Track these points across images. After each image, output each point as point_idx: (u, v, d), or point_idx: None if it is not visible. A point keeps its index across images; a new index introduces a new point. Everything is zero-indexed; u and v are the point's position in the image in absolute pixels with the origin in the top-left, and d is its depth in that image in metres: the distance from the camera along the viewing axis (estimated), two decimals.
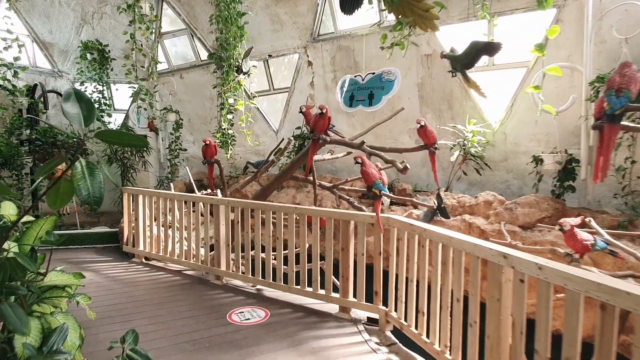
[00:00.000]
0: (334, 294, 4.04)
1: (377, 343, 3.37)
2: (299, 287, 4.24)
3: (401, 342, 3.43)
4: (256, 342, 3.35)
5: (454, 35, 5.82)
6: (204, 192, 5.54)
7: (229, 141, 6.37)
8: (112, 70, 8.18)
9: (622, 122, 2.71)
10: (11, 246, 2.55)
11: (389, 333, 3.62)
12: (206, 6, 7.27)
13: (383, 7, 4.23)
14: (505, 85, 5.56)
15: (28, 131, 6.49)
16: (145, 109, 7.33)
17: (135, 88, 7.35)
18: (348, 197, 4.42)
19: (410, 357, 3.17)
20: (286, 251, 4.33)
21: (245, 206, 4.60)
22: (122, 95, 8.74)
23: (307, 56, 7.21)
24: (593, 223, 3.16)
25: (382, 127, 5.13)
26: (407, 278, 3.39)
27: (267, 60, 7.70)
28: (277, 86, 8.02)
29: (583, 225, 3.08)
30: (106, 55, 8.06)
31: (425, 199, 5.08)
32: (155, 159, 8.62)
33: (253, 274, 4.57)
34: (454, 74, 4.51)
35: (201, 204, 5.05)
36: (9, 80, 6.30)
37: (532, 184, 5.33)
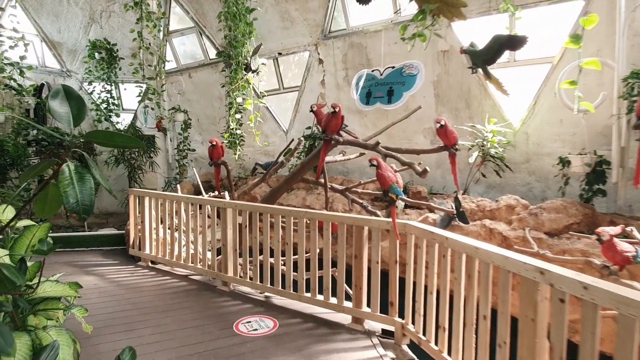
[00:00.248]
0: (346, 304, 3.82)
1: (393, 359, 3.14)
2: (309, 295, 4.03)
3: (419, 359, 3.19)
4: (264, 356, 3.15)
5: (472, 31, 5.54)
6: (211, 194, 5.36)
7: (237, 141, 6.19)
8: (120, 69, 8.08)
9: None
10: (1, 255, 2.38)
11: (405, 347, 3.38)
12: (215, 3, 7.10)
13: None
14: (528, 83, 5.26)
15: (35, 131, 6.40)
16: (152, 109, 7.20)
17: (142, 87, 7.21)
18: (361, 201, 4.19)
19: None
20: (296, 256, 4.13)
21: (254, 210, 4.40)
22: (130, 95, 8.63)
23: (318, 54, 6.99)
24: (635, 232, 2.87)
25: (396, 127, 4.88)
26: (425, 289, 3.15)
27: (276, 59, 7.50)
28: (287, 85, 7.82)
29: (622, 234, 2.80)
30: (114, 55, 7.96)
31: (442, 203, 4.82)
32: (164, 160, 8.49)
33: (261, 281, 4.37)
34: (474, 70, 4.24)
35: (208, 206, 4.87)
36: (15, 80, 6.22)
37: (557, 187, 5.04)
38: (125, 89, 8.48)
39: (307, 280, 4.07)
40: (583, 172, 4.36)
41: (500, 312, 2.34)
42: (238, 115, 6.07)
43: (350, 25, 6.55)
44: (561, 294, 1.94)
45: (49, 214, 1.92)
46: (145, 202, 5.46)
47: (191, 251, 5.05)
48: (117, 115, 8.16)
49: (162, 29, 6.69)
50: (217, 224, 4.96)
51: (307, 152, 6.94)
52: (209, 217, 4.98)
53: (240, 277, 4.62)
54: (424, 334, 3.14)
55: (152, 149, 7.77)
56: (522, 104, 5.35)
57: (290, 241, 4.11)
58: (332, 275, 4.02)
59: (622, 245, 2.69)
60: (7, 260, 2.35)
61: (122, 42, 8.15)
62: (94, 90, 8.05)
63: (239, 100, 5.83)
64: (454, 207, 4.81)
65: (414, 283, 3.31)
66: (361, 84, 5.14)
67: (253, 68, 5.73)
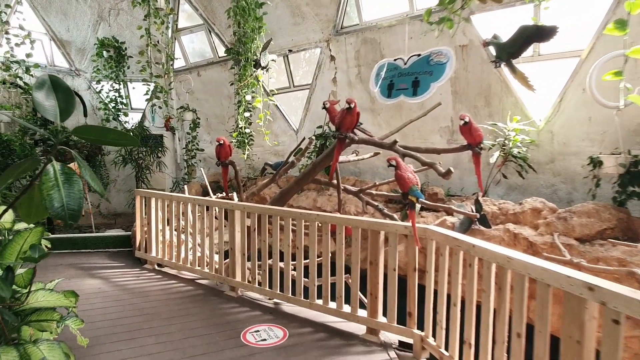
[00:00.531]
0: (360, 312, 3.59)
1: None
2: (320, 302, 3.81)
3: None
4: None
5: (492, 25, 5.26)
6: (219, 195, 5.17)
7: (247, 141, 5.99)
8: (128, 68, 7.97)
9: None
10: None
11: None
12: (224, 0, 6.94)
13: None
14: (552, 79, 4.96)
15: (42, 130, 6.30)
16: (160, 108, 7.05)
17: (150, 86, 7.07)
18: (376, 204, 3.95)
19: None
20: (307, 260, 3.91)
21: (263, 212, 4.19)
22: (139, 94, 8.52)
23: (330, 50, 6.77)
24: None
25: (410, 126, 4.60)
26: (448, 300, 2.90)
27: (287, 56, 7.30)
28: (297, 83, 7.61)
29: None
30: (123, 53, 7.85)
31: (461, 205, 4.55)
32: (172, 160, 8.35)
33: (270, 287, 4.16)
34: (497, 64, 3.97)
35: (216, 208, 4.68)
36: (20, 78, 6.12)
37: (584, 189, 4.73)
38: (133, 88, 8.36)
39: (319, 287, 3.85)
40: (616, 173, 4.05)
41: (537, 331, 2.09)
42: (247, 114, 5.87)
43: (364, 20, 6.31)
44: (615, 314, 1.68)
45: (35, 219, 1.72)
46: (151, 203, 5.30)
47: (198, 254, 4.87)
48: (126, 115, 8.05)
49: (170, 25, 6.54)
50: (224, 226, 4.78)
51: (318, 152, 6.72)
52: (216, 218, 4.80)
53: (248, 281, 4.42)
54: (446, 349, 2.89)
55: (160, 149, 7.63)
56: (547, 101, 5.05)
57: (301, 245, 3.89)
58: (345, 281, 3.79)
59: None
60: None
61: (131, 41, 8.04)
62: (102, 89, 7.95)
63: (248, 98, 5.63)
64: (474, 210, 4.55)
65: (435, 292, 3.07)
66: (382, 74, 4.65)
67: (263, 64, 5.53)
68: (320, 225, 3.80)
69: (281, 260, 4.18)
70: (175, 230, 5.12)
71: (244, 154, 6.22)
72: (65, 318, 2.32)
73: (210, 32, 7.75)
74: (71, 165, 7.10)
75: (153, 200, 5.29)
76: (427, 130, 6.14)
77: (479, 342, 2.52)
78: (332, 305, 3.75)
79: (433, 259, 3.08)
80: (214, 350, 3.21)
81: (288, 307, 4.10)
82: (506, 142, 4.98)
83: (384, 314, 3.45)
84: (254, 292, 4.38)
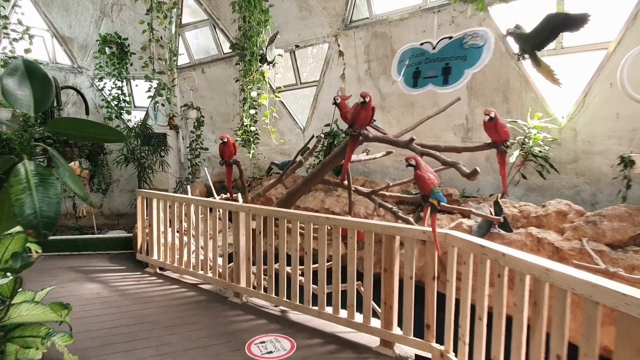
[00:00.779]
0: (373, 323, 3.34)
1: None
2: (330, 311, 3.57)
3: None
4: None
5: (511, 17, 4.98)
6: (223, 195, 4.94)
7: (252, 139, 5.76)
8: (131, 65, 7.77)
9: None
10: None
11: None
12: None
13: None
14: (576, 72, 4.66)
15: (42, 128, 6.12)
16: (163, 105, 6.84)
17: (152, 83, 6.86)
18: (390, 206, 3.70)
19: None
20: (315, 265, 3.67)
21: (269, 214, 3.96)
22: (142, 91, 8.33)
23: (338, 45, 6.51)
24: None
25: (422, 124, 4.34)
26: (472, 312, 2.65)
27: (293, 52, 7.05)
28: (304, 80, 7.36)
29: None
30: (125, 50, 7.66)
31: (479, 207, 4.29)
32: (175, 159, 8.15)
33: (277, 294, 3.93)
34: (520, 56, 3.71)
35: (220, 209, 4.46)
36: None
37: (610, 190, 4.44)
38: (137, 85, 8.17)
39: (329, 294, 3.61)
40: None
41: (582, 354, 1.83)
42: (252, 111, 5.63)
43: (374, 14, 6.05)
44: None
45: (6, 228, 1.50)
46: (153, 204, 5.10)
47: (201, 257, 4.65)
48: (128, 113, 7.86)
49: (173, 20, 6.33)
50: (228, 227, 4.56)
51: (326, 151, 6.48)
52: (220, 218, 4.57)
53: (253, 287, 4.19)
54: None
55: (163, 148, 7.42)
56: (569, 97, 4.75)
57: (309, 250, 3.65)
58: (357, 289, 3.55)
59: None
60: None
61: (134, 37, 7.84)
62: (104, 87, 7.76)
63: (254, 94, 5.40)
64: (492, 213, 4.28)
65: (456, 301, 2.82)
66: (407, 61, 4.16)
67: (269, 59, 5.29)
68: (329, 228, 3.56)
69: (288, 264, 3.95)
70: (177, 232, 4.92)
71: (249, 153, 5.99)
72: (51, 334, 2.10)
73: (214, 27, 7.53)
74: (71, 164, 6.94)
75: (155, 201, 5.08)
76: (439, 128, 5.87)
77: None
78: (343, 314, 3.52)
79: (454, 267, 2.83)
80: None
81: (295, 315, 3.87)
82: (526, 140, 4.70)
83: (400, 326, 3.21)
84: (260, 299, 4.15)
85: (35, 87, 1.40)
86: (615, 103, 4.31)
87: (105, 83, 7.74)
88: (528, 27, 3.93)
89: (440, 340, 2.97)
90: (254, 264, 4.26)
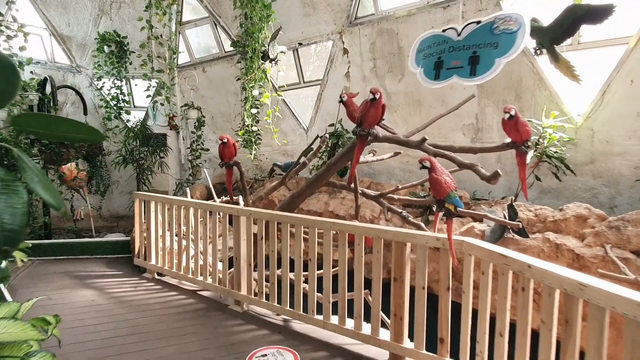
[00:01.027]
0: (382, 335, 3.13)
1: None
2: (336, 321, 3.36)
3: None
4: None
5: (524, 11, 4.76)
6: (224, 198, 4.75)
7: (254, 139, 5.56)
8: (131, 64, 7.59)
9: None
10: None
11: None
12: None
13: None
14: (593, 69, 4.44)
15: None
16: (162, 104, 6.65)
17: (151, 82, 6.67)
18: (400, 210, 3.49)
19: None
20: (320, 271, 3.47)
21: (271, 218, 3.76)
22: (142, 91, 8.17)
23: (343, 43, 6.31)
24: None
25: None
26: (491, 326, 2.44)
27: (296, 50, 6.86)
28: (307, 79, 7.16)
29: None
30: (125, 48, 7.48)
31: (492, 211, 4.07)
32: (176, 160, 7.96)
33: (279, 302, 3.72)
34: (538, 51, 3.49)
35: (219, 213, 4.26)
36: None
37: (630, 193, 4.22)
38: (136, 85, 7.99)
39: (334, 304, 3.41)
40: None
41: None
42: (254, 110, 5.43)
43: (380, 9, 5.84)
44: None
45: None
46: (151, 207, 4.91)
47: (200, 262, 4.45)
48: (128, 113, 7.68)
49: (173, 17, 6.14)
50: (229, 231, 4.37)
51: (330, 152, 6.27)
52: (220, 221, 4.38)
53: (255, 293, 3.99)
54: None
55: (162, 149, 7.23)
56: (586, 95, 4.53)
57: (313, 257, 3.45)
58: (364, 298, 3.34)
59: None
60: None
61: (133, 35, 7.66)
62: (103, 86, 7.59)
63: (255, 93, 5.19)
64: (506, 217, 4.07)
65: (474, 312, 2.60)
66: (426, 50, 3.63)
67: (271, 56, 5.09)
68: (335, 233, 3.36)
69: (291, 270, 3.75)
70: (176, 235, 4.72)
71: (251, 153, 5.79)
72: (31, 353, 1.90)
73: (215, 25, 7.35)
74: (68, 166, 6.77)
75: (153, 204, 4.89)
76: (448, 128, 5.66)
77: None
78: (350, 324, 3.31)
79: (471, 277, 2.62)
80: None
81: (299, 325, 3.66)
82: (540, 140, 4.48)
83: (411, 338, 3.00)
84: (261, 307, 3.95)
85: None
86: (636, 101, 4.10)
87: (104, 82, 7.57)
88: (545, 21, 3.73)
89: (455, 355, 2.76)
90: (255, 270, 4.06)
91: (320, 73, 6.91)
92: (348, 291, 3.32)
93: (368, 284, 3.23)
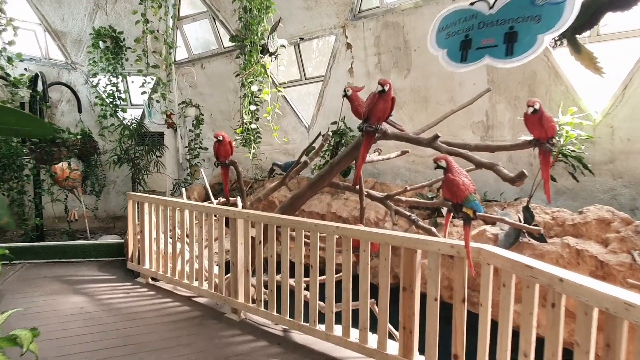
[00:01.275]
0: (390, 349, 2.88)
1: None
2: (339, 333, 3.12)
3: None
4: None
5: None
6: (221, 199, 4.51)
7: (253, 138, 5.31)
8: (127, 60, 7.35)
9: None
10: None
11: None
12: None
13: None
14: (613, 63, 4.17)
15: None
16: (157, 101, 6.41)
17: (146, 78, 6.44)
18: (409, 213, 3.24)
19: None
20: (323, 277, 3.23)
21: (270, 221, 3.51)
22: (138, 88, 7.94)
23: (346, 37, 6.06)
24: None
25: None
26: (515, 346, 2.19)
27: (298, 45, 6.60)
28: (309, 75, 6.91)
29: None
30: (121, 44, 7.25)
31: (506, 214, 3.82)
32: (173, 159, 7.72)
33: (279, 311, 3.48)
34: (558, 42, 3.23)
35: (215, 215, 4.03)
36: (3, 68, 5.55)
37: None
38: (132, 82, 7.76)
39: (337, 314, 3.16)
40: None
41: None
42: (253, 107, 5.19)
43: (385, 2, 5.59)
44: None
45: None
46: (145, 209, 4.67)
47: (196, 266, 4.22)
48: (124, 111, 7.45)
49: (169, 11, 5.90)
50: (225, 233, 4.13)
51: (332, 151, 6.03)
52: (216, 221, 4.15)
53: (252, 301, 3.74)
54: None
55: (159, 147, 7.00)
56: (605, 90, 4.27)
57: (315, 263, 3.20)
58: (370, 308, 3.09)
59: None
60: None
61: (130, 30, 7.42)
62: (98, 83, 7.36)
63: (254, 88, 4.95)
64: (521, 220, 3.81)
65: (493, 324, 2.36)
66: (450, 28, 3.07)
67: (271, 50, 4.84)
68: (338, 237, 3.11)
69: (291, 276, 3.51)
70: (170, 238, 4.49)
71: (250, 152, 5.55)
72: None
73: (214, 20, 7.10)
74: (60, 165, 6.54)
75: (146, 205, 4.66)
76: (457, 126, 5.40)
77: None
78: (354, 335, 3.07)
79: (490, 289, 2.37)
80: None
81: (299, 336, 3.42)
82: (556, 138, 4.21)
83: (420, 352, 2.76)
84: (260, 316, 3.71)
85: None
86: None
87: (99, 79, 7.34)
88: None
89: None
90: (253, 275, 3.82)
91: (322, 69, 6.66)
92: (352, 300, 3.08)
93: (374, 291, 2.99)
